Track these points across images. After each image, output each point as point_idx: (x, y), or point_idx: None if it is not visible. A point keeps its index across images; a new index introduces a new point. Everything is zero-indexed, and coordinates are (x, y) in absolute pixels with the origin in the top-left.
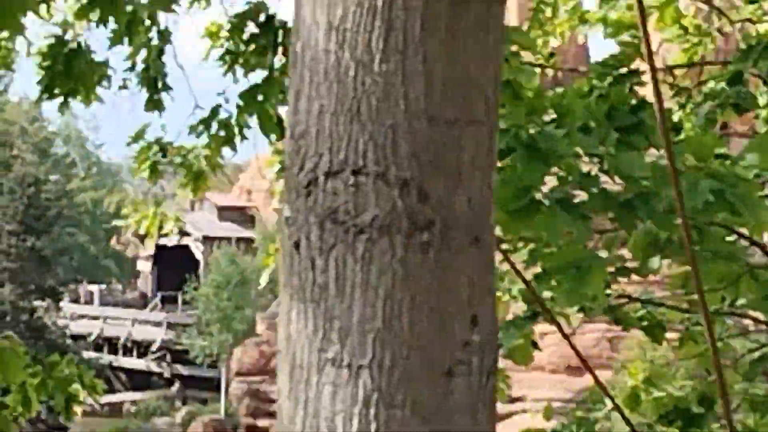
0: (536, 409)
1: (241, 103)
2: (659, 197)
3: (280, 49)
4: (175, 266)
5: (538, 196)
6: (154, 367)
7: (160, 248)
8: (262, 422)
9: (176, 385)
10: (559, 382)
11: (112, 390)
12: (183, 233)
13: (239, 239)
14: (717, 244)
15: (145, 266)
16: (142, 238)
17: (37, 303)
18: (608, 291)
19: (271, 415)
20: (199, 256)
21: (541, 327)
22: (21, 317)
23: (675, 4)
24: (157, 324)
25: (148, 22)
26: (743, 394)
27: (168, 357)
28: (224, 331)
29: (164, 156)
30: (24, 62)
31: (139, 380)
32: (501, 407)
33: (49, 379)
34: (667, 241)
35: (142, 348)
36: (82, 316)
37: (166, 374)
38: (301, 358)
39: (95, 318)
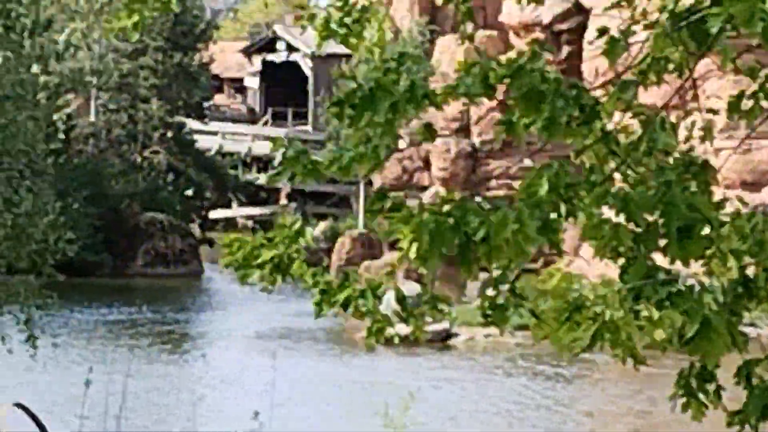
0: None
1: None
2: None
3: None
4: (283, 82)
5: None
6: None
7: (267, 64)
8: None
9: (291, 202)
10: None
11: (227, 205)
12: (291, 49)
13: (351, 56)
14: None
15: (252, 82)
16: (249, 55)
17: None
18: None
19: None
20: (307, 72)
21: (715, 144)
22: (169, 133)
23: None
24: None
25: None
26: None
27: None
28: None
29: None
30: None
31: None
32: None
33: None
34: None
35: (261, 163)
36: (200, 132)
37: (287, 190)
38: None
39: (213, 134)
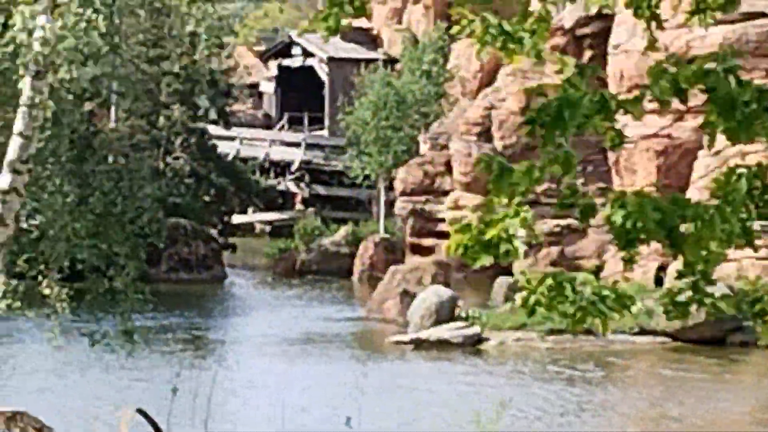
0: None
1: None
2: None
3: None
4: (298, 87)
5: None
6: (292, 188)
7: (283, 69)
8: (426, 241)
9: (307, 207)
10: None
11: (243, 210)
12: (307, 54)
13: (366, 60)
14: None
15: (267, 87)
16: (265, 60)
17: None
18: None
19: (435, 234)
20: (323, 77)
21: None
22: (191, 139)
23: None
24: (295, 145)
25: None
26: None
27: (306, 177)
28: (383, 153)
29: None
30: None
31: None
32: None
33: None
34: None
35: (278, 168)
36: (218, 137)
37: (305, 195)
38: None
39: (231, 139)
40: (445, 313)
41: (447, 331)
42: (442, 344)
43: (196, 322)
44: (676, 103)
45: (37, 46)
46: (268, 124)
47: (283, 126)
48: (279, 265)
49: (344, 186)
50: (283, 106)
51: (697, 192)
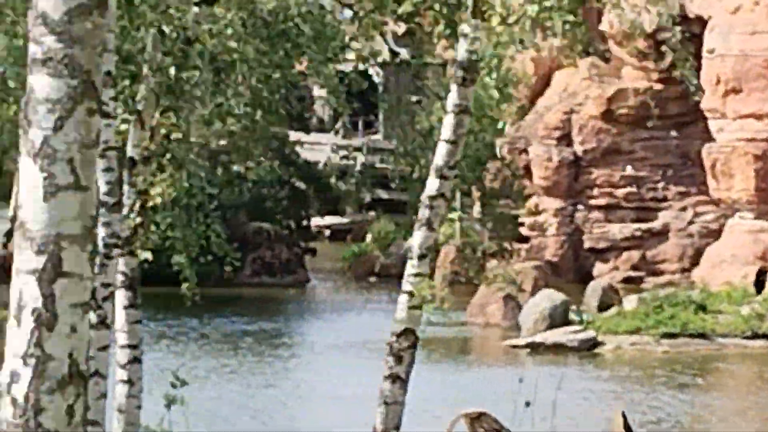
0: None
1: None
2: None
3: None
4: (352, 91)
5: None
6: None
7: (337, 73)
8: (506, 245)
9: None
10: None
11: (322, 215)
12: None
13: (423, 64)
14: None
15: (322, 91)
16: None
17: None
18: None
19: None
20: (378, 80)
21: None
22: (272, 145)
23: None
24: (357, 149)
25: None
26: None
27: (368, 182)
28: None
29: None
30: None
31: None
32: None
33: None
34: None
35: (339, 173)
36: None
37: (367, 199)
38: None
39: (292, 143)
40: (558, 317)
41: (563, 335)
42: (558, 348)
43: (292, 326)
44: None
45: (462, 53)
46: (321, 128)
47: (337, 130)
48: (357, 269)
49: (406, 190)
50: (337, 110)
51: None
